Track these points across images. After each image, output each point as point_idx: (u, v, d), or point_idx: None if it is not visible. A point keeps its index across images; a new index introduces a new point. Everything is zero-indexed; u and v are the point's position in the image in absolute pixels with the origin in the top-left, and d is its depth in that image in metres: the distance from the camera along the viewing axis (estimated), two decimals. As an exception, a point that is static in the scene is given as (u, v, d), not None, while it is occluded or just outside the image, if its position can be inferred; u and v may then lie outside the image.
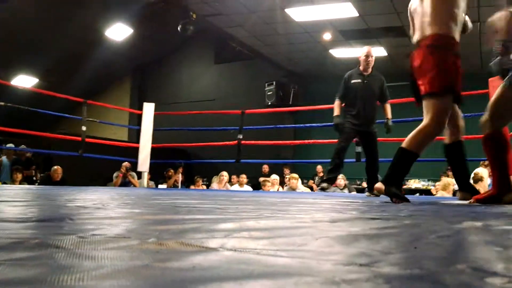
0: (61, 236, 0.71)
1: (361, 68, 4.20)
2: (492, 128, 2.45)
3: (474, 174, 6.20)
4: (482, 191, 6.06)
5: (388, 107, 4.32)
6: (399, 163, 2.44)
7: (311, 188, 7.99)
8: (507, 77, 2.46)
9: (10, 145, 7.78)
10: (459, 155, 2.71)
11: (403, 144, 2.41)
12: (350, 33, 8.46)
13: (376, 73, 4.26)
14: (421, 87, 2.41)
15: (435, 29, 2.41)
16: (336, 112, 4.16)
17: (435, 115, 2.36)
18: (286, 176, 7.56)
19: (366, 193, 4.28)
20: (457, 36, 2.51)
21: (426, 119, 2.39)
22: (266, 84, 10.59)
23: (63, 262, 0.51)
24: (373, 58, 4.20)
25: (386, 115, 4.34)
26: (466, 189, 2.68)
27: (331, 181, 4.34)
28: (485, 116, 2.52)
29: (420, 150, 2.41)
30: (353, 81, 4.17)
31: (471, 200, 2.44)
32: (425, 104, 2.41)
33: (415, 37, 2.55)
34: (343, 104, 4.24)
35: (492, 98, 2.57)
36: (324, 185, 4.19)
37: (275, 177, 7.27)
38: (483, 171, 6.39)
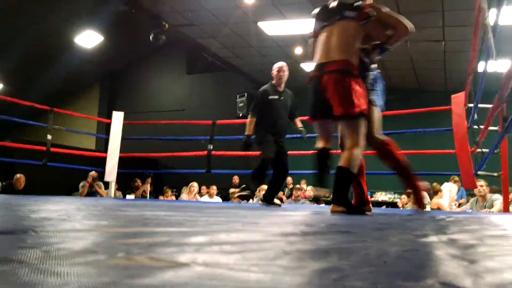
0: (24, 250, 0.68)
1: (274, 83, 4.18)
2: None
3: (433, 186, 6.37)
4: (445, 202, 6.27)
5: (297, 121, 4.31)
6: (341, 182, 2.59)
7: (281, 200, 8.01)
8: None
9: None
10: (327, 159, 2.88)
11: (341, 163, 2.57)
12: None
13: (287, 89, 4.26)
14: (338, 110, 2.55)
15: (344, 56, 2.60)
16: (249, 131, 4.10)
17: (358, 138, 2.57)
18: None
19: (260, 202, 4.27)
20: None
21: (351, 141, 2.57)
22: (238, 96, 10.62)
23: (26, 279, 0.49)
24: (287, 73, 4.20)
25: (298, 127, 4.32)
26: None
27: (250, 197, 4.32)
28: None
29: (356, 169, 2.58)
30: (270, 97, 4.11)
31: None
32: (347, 125, 2.62)
33: (319, 59, 2.70)
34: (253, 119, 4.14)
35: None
36: (245, 193, 4.11)
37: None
38: (453, 187, 6.54)
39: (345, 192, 2.58)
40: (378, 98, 2.91)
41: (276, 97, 4.12)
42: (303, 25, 7.60)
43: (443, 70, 9.14)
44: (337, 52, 2.62)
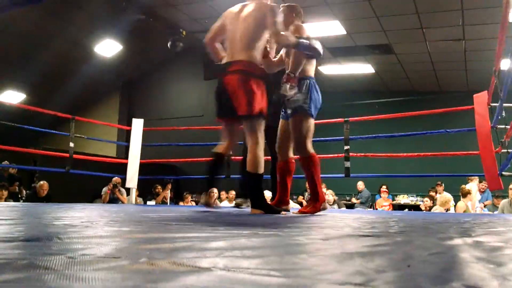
0: (50, 257, 0.70)
1: None
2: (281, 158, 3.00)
3: (462, 188, 6.27)
4: (470, 204, 6.15)
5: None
6: (253, 186, 2.75)
7: (301, 204, 7.98)
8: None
9: (7, 163, 7.64)
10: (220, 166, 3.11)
11: (248, 168, 2.71)
12: (338, 50, 8.58)
13: None
14: (239, 109, 2.67)
15: (247, 56, 2.70)
16: None
17: (258, 134, 2.71)
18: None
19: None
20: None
21: (252, 140, 2.71)
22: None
23: (52, 284, 0.50)
24: None
25: None
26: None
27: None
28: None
29: (262, 168, 2.72)
30: None
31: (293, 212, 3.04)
32: (247, 125, 2.74)
33: (226, 59, 2.82)
34: None
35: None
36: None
37: (267, 194, 7.25)
38: (472, 186, 6.45)
39: (259, 194, 2.73)
40: (311, 107, 2.91)
41: None
42: (320, 28, 7.59)
43: (464, 69, 8.97)
44: (241, 52, 2.71)
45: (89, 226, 1.44)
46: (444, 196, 6.50)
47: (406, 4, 6.62)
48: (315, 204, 2.97)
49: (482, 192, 6.71)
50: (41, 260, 0.66)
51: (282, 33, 2.72)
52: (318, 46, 2.87)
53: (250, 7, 2.88)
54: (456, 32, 7.34)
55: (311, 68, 2.99)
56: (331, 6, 6.92)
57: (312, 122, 2.93)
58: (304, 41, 2.78)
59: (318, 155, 5.55)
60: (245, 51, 2.71)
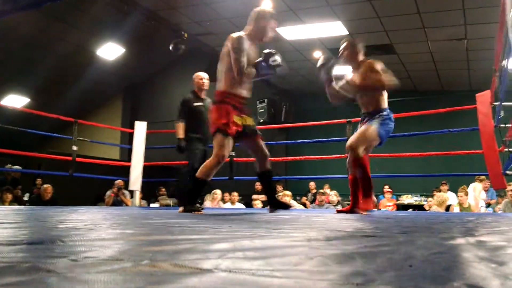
0: (53, 259, 0.70)
1: (196, 90, 4.55)
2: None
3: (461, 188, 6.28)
4: (473, 202, 6.15)
5: None
6: (193, 189, 3.28)
7: (304, 205, 7.97)
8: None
9: (10, 166, 7.67)
10: (268, 182, 3.41)
11: (197, 174, 3.19)
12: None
13: (206, 96, 4.57)
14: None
15: (218, 87, 3.26)
16: (181, 134, 4.38)
17: (215, 150, 3.14)
18: (279, 193, 7.54)
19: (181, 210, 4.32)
20: (238, 91, 3.23)
21: (213, 154, 3.17)
22: (258, 102, 10.64)
23: (55, 287, 0.51)
24: (208, 82, 4.58)
25: None
26: (273, 204, 3.39)
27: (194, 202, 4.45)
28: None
29: (209, 177, 3.20)
30: (195, 104, 4.45)
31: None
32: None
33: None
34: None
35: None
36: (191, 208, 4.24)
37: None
38: (476, 186, 6.44)
39: (195, 197, 3.27)
40: (384, 138, 3.35)
41: (200, 103, 4.48)
42: (322, 28, 7.59)
43: (466, 69, 8.95)
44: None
45: (93, 229, 1.44)
46: (440, 195, 6.49)
47: (407, 4, 6.62)
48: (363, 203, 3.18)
49: (486, 190, 6.68)
50: (44, 263, 0.67)
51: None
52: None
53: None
54: (458, 32, 7.33)
55: (384, 100, 3.36)
56: (333, 7, 6.93)
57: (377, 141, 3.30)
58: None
59: (322, 156, 5.57)
60: (220, 82, 3.27)
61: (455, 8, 6.60)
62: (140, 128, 6.26)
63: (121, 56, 9.87)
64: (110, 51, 9.61)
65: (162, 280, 0.55)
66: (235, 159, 5.91)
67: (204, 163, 3.21)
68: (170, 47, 7.86)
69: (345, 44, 3.56)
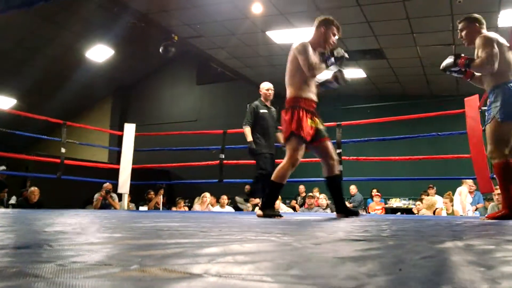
0: (40, 264, 0.69)
1: (263, 99, 4.81)
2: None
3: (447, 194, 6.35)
4: (459, 207, 6.19)
5: (280, 135, 4.74)
6: (270, 193, 3.34)
7: (294, 208, 7.98)
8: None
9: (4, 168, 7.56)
10: (335, 187, 3.37)
11: (272, 177, 3.25)
12: (330, 55, 8.62)
13: (272, 106, 4.89)
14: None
15: (288, 93, 3.27)
16: (250, 138, 4.61)
17: (289, 154, 3.19)
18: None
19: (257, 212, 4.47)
20: (307, 94, 3.24)
21: (285, 158, 3.22)
22: (248, 105, 10.63)
23: (42, 293, 0.50)
24: (273, 92, 4.84)
25: (281, 142, 4.72)
26: (342, 211, 3.33)
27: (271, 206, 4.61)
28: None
29: (284, 180, 3.24)
30: (261, 111, 4.71)
31: (483, 218, 3.13)
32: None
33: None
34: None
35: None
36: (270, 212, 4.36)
37: (257, 200, 7.24)
38: (462, 189, 6.50)
39: (272, 201, 3.30)
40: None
41: (266, 111, 4.73)
42: (311, 33, 7.63)
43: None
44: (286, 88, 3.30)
45: (80, 232, 1.43)
46: (429, 199, 6.55)
47: (396, 10, 6.68)
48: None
49: (471, 192, 6.74)
50: (31, 268, 0.65)
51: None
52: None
53: None
54: (446, 37, 7.41)
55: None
56: (323, 12, 6.96)
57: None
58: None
59: (311, 159, 5.59)
60: (289, 87, 3.29)
61: (444, 14, 6.68)
62: (129, 131, 6.21)
63: (111, 58, 9.81)
64: (99, 53, 9.55)
65: (151, 286, 0.55)
66: (224, 161, 5.90)
67: (278, 167, 3.25)
68: (160, 50, 7.83)
69: (461, 24, 3.36)
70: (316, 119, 3.24)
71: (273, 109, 4.88)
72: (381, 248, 1.02)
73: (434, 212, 6.14)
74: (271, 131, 4.70)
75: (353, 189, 8.73)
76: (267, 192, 3.39)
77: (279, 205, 6.81)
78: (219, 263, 0.73)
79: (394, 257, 0.86)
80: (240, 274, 0.63)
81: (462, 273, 0.68)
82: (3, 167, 7.56)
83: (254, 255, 0.87)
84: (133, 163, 6.09)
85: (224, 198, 7.32)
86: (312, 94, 3.27)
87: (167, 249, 0.94)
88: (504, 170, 2.94)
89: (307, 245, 1.08)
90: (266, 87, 4.87)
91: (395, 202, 9.36)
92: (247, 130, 4.64)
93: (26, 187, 7.27)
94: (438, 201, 6.69)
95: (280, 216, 3.28)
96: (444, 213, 6.26)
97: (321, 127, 3.26)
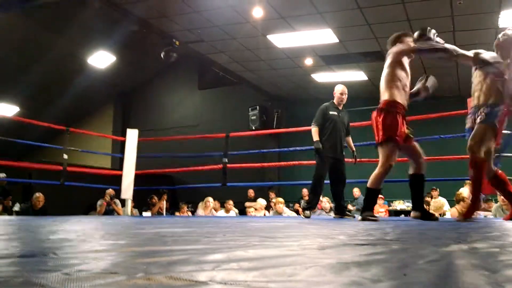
0: (46, 273, 0.69)
1: (335, 102, 4.71)
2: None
3: (457, 194, 6.27)
4: (464, 210, 6.16)
5: (350, 140, 4.85)
6: (368, 198, 3.53)
7: (297, 212, 7.97)
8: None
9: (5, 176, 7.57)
10: (418, 185, 3.50)
11: (368, 184, 3.39)
12: (331, 58, 8.63)
13: (344, 109, 4.81)
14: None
15: (385, 96, 3.35)
16: (317, 137, 4.55)
17: (384, 159, 3.30)
18: (272, 200, 7.54)
19: (334, 215, 4.54)
20: (400, 99, 3.33)
21: (379, 163, 3.34)
22: (250, 109, 10.66)
23: (49, 303, 0.50)
24: (346, 96, 4.73)
25: (351, 148, 4.85)
26: (418, 210, 3.46)
27: (313, 208, 4.87)
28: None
29: (379, 186, 3.40)
30: (330, 112, 4.62)
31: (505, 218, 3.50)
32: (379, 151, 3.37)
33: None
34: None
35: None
36: (307, 213, 4.56)
37: (262, 203, 7.24)
38: (463, 191, 6.46)
39: (371, 205, 3.53)
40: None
41: (335, 113, 4.64)
42: (312, 36, 7.63)
43: (456, 74, 9.05)
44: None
45: (85, 240, 1.43)
46: (437, 201, 6.51)
47: (397, 11, 6.68)
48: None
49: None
50: (37, 277, 0.66)
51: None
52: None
53: None
54: (446, 38, 7.39)
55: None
56: (323, 15, 6.97)
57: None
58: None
59: (314, 162, 5.58)
60: (385, 92, 3.43)
61: (444, 15, 6.68)
62: (132, 136, 6.22)
63: (112, 64, 9.84)
64: (101, 59, 9.57)
65: (157, 294, 0.55)
66: (227, 165, 5.90)
67: (373, 175, 3.36)
68: (162, 55, 7.85)
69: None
70: (406, 124, 3.38)
71: (344, 112, 4.78)
72: (385, 252, 1.02)
73: (441, 214, 6.10)
74: (340, 134, 4.60)
75: (356, 191, 8.71)
76: (365, 198, 3.61)
77: (282, 208, 6.80)
78: (224, 270, 0.74)
79: (399, 262, 0.86)
80: (245, 281, 0.63)
81: (466, 277, 0.68)
82: (3, 174, 7.56)
83: (258, 261, 0.88)
84: (136, 168, 6.10)
85: (230, 203, 7.32)
86: (405, 100, 3.37)
87: (172, 256, 0.95)
88: (477, 165, 3.20)
89: (311, 250, 1.08)
90: (340, 90, 4.74)
91: (398, 205, 9.32)
92: (315, 130, 4.58)
93: (32, 194, 7.28)
94: (445, 203, 6.65)
95: (377, 219, 3.45)
96: (448, 215, 6.23)
97: (409, 131, 3.40)
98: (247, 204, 7.99)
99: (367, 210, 3.43)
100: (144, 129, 8.60)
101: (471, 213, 3.29)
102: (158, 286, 0.60)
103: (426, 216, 3.39)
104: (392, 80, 3.31)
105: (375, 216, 3.55)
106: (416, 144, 3.43)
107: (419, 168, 3.41)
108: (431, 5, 6.45)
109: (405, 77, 3.34)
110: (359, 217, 3.50)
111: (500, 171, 3.40)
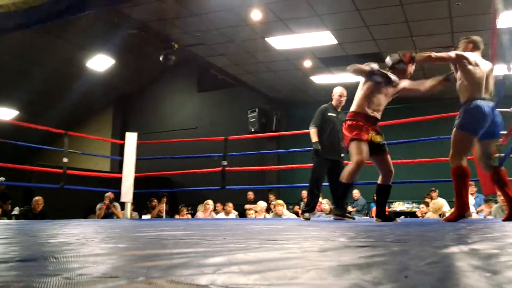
0: (46, 278, 0.69)
1: (334, 104, 4.75)
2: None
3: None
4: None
5: None
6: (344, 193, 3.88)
7: (297, 214, 7.96)
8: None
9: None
10: (384, 195, 3.75)
11: (343, 180, 3.68)
12: (329, 60, 8.64)
13: (343, 111, 4.76)
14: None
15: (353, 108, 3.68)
16: (316, 138, 4.56)
17: (354, 156, 3.56)
18: (272, 202, 7.54)
19: (333, 216, 4.53)
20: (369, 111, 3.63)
21: (351, 160, 3.59)
22: (249, 111, 10.66)
23: (50, 307, 0.50)
24: (345, 98, 4.77)
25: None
26: (380, 217, 3.66)
27: (312, 210, 4.89)
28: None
29: (353, 180, 3.71)
30: (329, 114, 4.66)
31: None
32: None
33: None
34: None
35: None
36: (307, 215, 4.60)
37: (263, 205, 7.24)
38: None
39: (382, 206, 3.74)
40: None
41: (334, 114, 4.69)
42: (311, 38, 7.65)
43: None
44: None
45: (85, 243, 1.43)
46: (436, 202, 6.51)
47: (395, 13, 6.70)
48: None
49: (472, 194, 6.72)
50: (38, 282, 0.66)
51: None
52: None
53: None
54: (445, 40, 7.42)
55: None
56: (322, 17, 6.99)
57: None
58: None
59: (308, 165, 5.58)
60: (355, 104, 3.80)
61: (442, 16, 6.70)
62: (131, 139, 6.22)
63: (111, 67, 9.84)
64: (100, 62, 9.58)
65: (158, 298, 0.55)
66: (227, 168, 5.90)
67: (346, 170, 3.65)
68: (161, 58, 7.86)
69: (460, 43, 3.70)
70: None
71: (342, 114, 4.73)
72: (385, 254, 1.02)
73: (440, 215, 6.11)
74: (338, 136, 4.59)
75: (356, 193, 8.71)
76: (377, 199, 3.80)
77: (282, 210, 6.80)
78: (224, 273, 0.73)
79: (399, 264, 0.86)
80: (247, 284, 0.63)
81: (467, 279, 0.68)
82: (3, 178, 7.56)
83: (259, 264, 0.88)
84: (136, 171, 6.10)
85: (230, 206, 7.31)
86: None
87: (172, 259, 0.95)
88: (457, 175, 3.37)
89: (311, 253, 1.08)
90: (338, 92, 4.77)
91: (398, 206, 9.33)
92: (313, 131, 4.60)
93: (32, 198, 7.27)
94: (445, 204, 6.66)
95: (395, 219, 3.69)
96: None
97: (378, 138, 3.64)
98: (247, 206, 7.99)
99: (380, 212, 3.65)
100: (143, 132, 8.60)
101: (454, 219, 3.36)
102: (159, 290, 0.60)
103: (388, 219, 3.63)
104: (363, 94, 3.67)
105: (394, 217, 3.90)
106: (388, 157, 3.66)
107: (388, 180, 3.66)
108: (429, 7, 6.46)
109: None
110: (376, 219, 3.68)
111: (503, 170, 3.47)
